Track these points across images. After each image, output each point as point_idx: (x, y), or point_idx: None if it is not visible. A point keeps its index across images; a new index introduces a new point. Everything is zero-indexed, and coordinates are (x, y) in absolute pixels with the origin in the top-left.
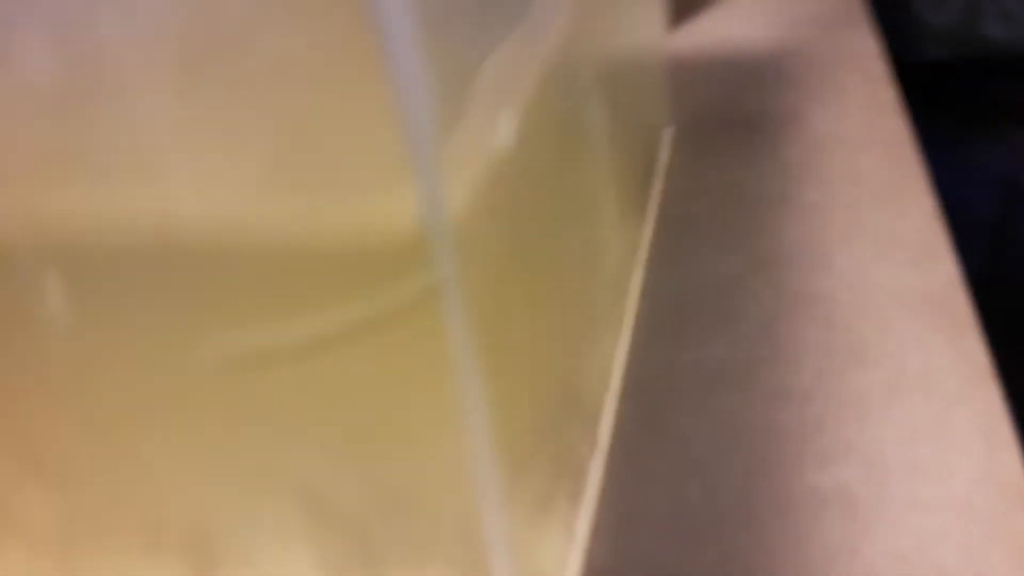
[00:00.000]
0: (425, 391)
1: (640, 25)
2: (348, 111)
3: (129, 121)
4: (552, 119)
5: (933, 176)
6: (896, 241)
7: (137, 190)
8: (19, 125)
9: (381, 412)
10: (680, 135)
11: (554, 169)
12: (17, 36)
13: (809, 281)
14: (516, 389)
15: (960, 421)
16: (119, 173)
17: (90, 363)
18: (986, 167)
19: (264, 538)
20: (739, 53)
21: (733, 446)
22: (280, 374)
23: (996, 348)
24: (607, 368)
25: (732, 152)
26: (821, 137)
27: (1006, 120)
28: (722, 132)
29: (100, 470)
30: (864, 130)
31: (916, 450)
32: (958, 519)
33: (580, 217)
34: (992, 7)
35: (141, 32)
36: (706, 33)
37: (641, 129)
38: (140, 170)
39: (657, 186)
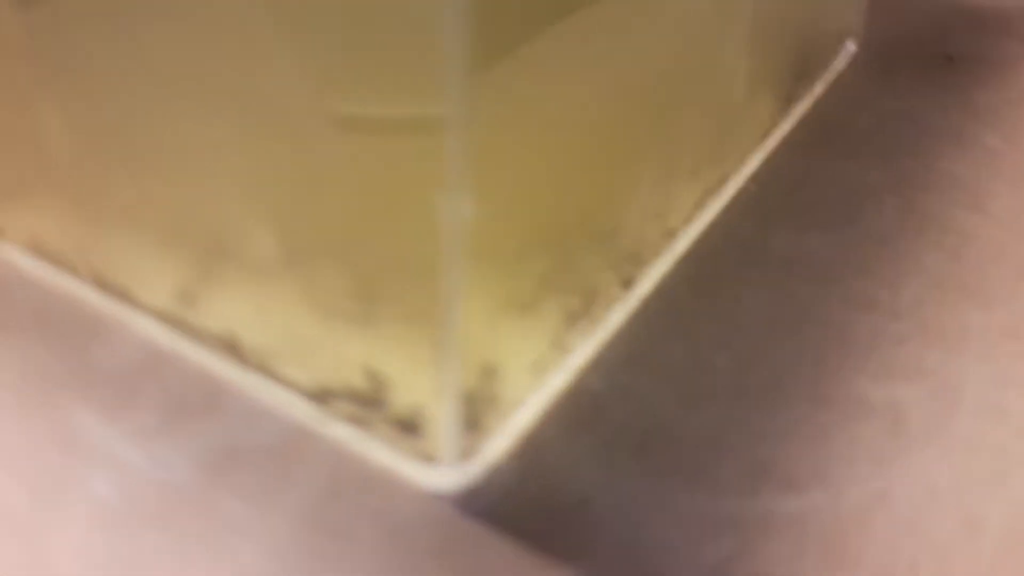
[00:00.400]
0: (425, 168)
1: None
2: None
3: None
4: None
5: None
6: None
7: None
8: None
9: (388, 177)
10: (867, 53)
11: None
12: None
13: (952, 215)
14: (518, 195)
15: None
16: None
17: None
18: None
19: (255, 256)
20: None
21: (787, 334)
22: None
23: None
24: (671, 221)
25: (917, 82)
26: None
27: None
28: (914, 62)
29: (144, 154)
30: None
31: (1003, 395)
32: (1018, 473)
33: (693, 66)
34: None
35: None
36: None
37: (818, 26)
38: None
39: (818, 89)
